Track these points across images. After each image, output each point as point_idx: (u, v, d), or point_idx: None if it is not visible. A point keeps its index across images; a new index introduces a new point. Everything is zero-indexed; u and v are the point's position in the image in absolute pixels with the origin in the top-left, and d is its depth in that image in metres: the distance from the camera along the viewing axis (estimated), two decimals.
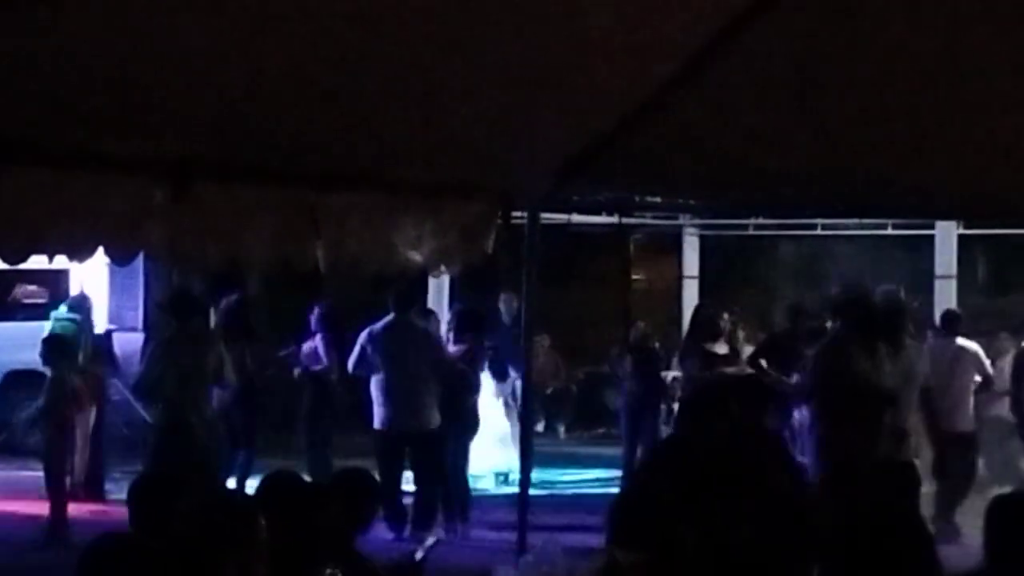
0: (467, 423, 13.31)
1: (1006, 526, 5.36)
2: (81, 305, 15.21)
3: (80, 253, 6.23)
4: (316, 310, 13.90)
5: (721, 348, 14.02)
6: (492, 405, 15.17)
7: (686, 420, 8.12)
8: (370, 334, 12.64)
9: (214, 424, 11.66)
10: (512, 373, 14.64)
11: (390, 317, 12.60)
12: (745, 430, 7.84)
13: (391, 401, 12.44)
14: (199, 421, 11.45)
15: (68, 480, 14.17)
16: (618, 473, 15.70)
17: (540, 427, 14.17)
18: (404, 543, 10.76)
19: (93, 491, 13.97)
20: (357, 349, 12.71)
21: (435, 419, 12.60)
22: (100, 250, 6.24)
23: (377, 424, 12.55)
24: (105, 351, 14.84)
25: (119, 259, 6.49)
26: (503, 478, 15.18)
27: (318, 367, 13.71)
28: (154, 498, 5.84)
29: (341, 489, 6.64)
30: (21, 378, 16.44)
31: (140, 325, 16.98)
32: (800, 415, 11.74)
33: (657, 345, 20.61)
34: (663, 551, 5.61)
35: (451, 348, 13.54)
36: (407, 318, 12.64)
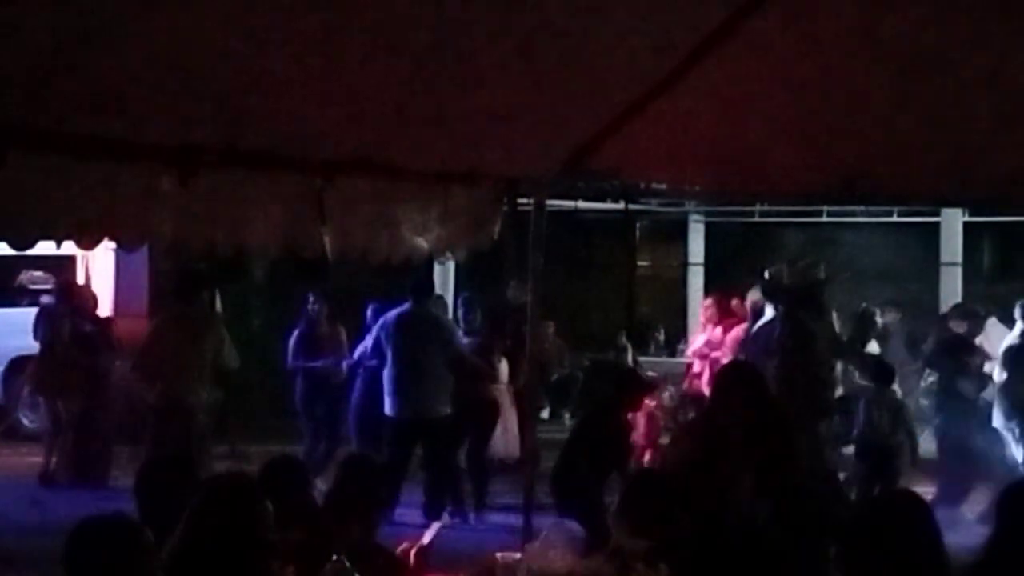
0: (481, 413, 13.33)
1: (1014, 513, 5.39)
2: (58, 289, 15.29)
3: (89, 240, 6.24)
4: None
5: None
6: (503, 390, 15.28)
7: (716, 400, 8.11)
8: (384, 323, 12.68)
9: (215, 407, 11.65)
10: None
11: (406, 306, 12.63)
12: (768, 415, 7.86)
13: (402, 389, 12.48)
14: (197, 403, 11.42)
15: (51, 461, 14.33)
16: None
17: (545, 414, 14.14)
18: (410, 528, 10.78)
19: (96, 477, 14.00)
20: (372, 338, 12.76)
21: (445, 408, 12.63)
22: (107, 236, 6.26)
23: (388, 411, 12.60)
24: (103, 337, 14.84)
25: (127, 246, 6.49)
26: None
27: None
28: (162, 486, 5.84)
29: (348, 476, 6.67)
30: (25, 364, 16.45)
31: (145, 311, 16.94)
32: None
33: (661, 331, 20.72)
34: (665, 537, 5.64)
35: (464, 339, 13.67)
36: (423, 307, 12.66)
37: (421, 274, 12.68)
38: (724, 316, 15.82)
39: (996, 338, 15.15)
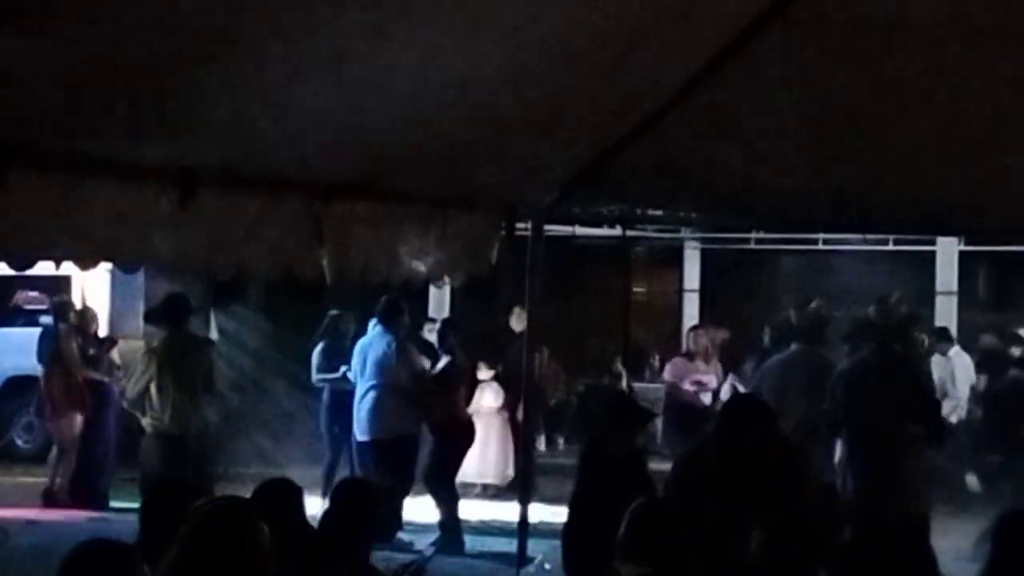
0: (447, 434, 13.28)
1: (1012, 541, 5.40)
2: (57, 309, 15.28)
3: (88, 261, 6.23)
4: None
5: None
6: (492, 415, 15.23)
7: (723, 429, 8.11)
8: (356, 347, 12.83)
9: (205, 433, 11.61)
10: None
11: (374, 330, 12.70)
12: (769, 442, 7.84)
13: (365, 411, 12.54)
14: (187, 430, 11.38)
15: (56, 482, 14.29)
16: None
17: (541, 439, 14.13)
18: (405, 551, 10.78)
19: (93, 498, 13.97)
20: (352, 362, 12.88)
21: (406, 428, 12.60)
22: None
23: (356, 434, 12.66)
24: (100, 357, 14.83)
25: (126, 267, 6.49)
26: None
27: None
28: (167, 512, 5.78)
29: (343, 498, 6.66)
30: (21, 384, 16.44)
31: (141, 332, 16.91)
32: None
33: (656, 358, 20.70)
34: (666, 564, 5.63)
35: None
36: (389, 330, 12.66)
37: (391, 297, 12.63)
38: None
39: (961, 367, 15.09)
